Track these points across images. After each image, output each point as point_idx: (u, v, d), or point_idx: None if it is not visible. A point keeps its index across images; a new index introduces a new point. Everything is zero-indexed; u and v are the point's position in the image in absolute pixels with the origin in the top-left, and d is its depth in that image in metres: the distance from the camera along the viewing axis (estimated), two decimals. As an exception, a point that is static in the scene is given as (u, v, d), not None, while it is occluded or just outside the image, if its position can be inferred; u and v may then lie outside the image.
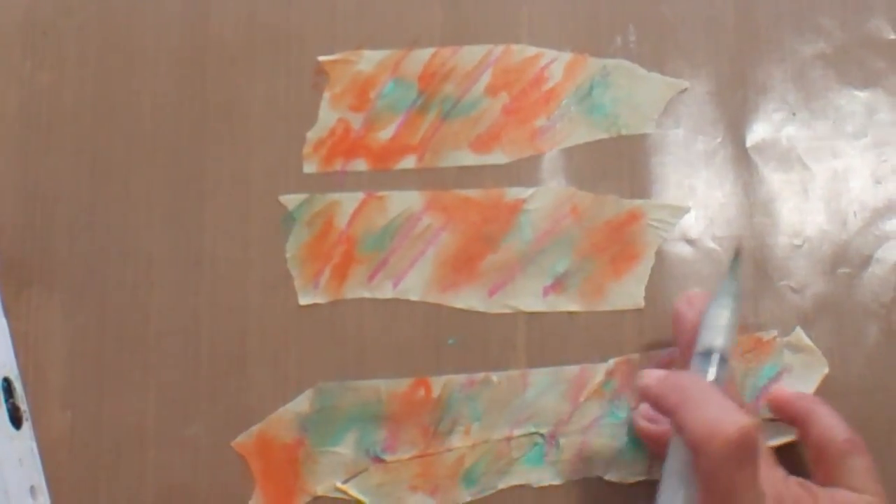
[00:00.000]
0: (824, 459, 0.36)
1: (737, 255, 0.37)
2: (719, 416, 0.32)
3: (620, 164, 0.41)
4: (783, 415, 0.38)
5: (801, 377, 0.40)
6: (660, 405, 0.34)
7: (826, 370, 0.40)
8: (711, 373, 0.34)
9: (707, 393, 0.33)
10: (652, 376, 0.35)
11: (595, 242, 0.41)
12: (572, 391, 0.40)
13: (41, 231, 0.42)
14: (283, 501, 0.40)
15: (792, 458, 0.38)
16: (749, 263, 0.41)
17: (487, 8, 0.42)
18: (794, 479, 0.35)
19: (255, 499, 0.40)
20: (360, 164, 0.42)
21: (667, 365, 0.40)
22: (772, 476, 0.34)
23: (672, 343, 0.40)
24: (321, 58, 0.42)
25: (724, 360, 0.35)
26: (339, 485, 0.40)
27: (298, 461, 0.40)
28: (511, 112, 0.42)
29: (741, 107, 0.42)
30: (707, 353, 0.35)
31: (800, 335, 0.40)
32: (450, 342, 0.40)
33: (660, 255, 0.41)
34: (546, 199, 0.41)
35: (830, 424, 0.36)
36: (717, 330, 0.35)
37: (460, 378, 0.40)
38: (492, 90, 0.42)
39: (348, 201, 0.41)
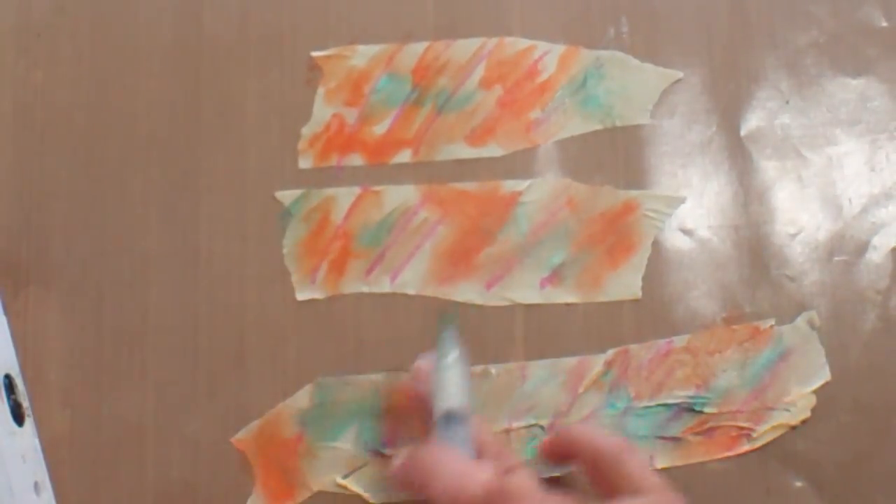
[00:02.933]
0: (601, 473, 0.35)
1: (443, 318, 0.37)
2: (460, 481, 0.32)
3: (615, 156, 0.42)
4: (557, 458, 0.38)
5: (801, 364, 0.40)
6: (410, 490, 0.34)
7: (824, 361, 0.40)
8: (456, 436, 0.34)
9: (445, 461, 0.33)
10: (397, 463, 0.35)
11: (591, 234, 0.41)
12: (571, 382, 0.40)
13: (37, 231, 0.42)
14: (284, 497, 0.40)
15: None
16: (745, 252, 0.41)
17: (479, 1, 0.42)
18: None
19: (256, 494, 0.40)
20: (356, 159, 0.42)
21: (665, 356, 0.40)
22: None
23: (669, 333, 0.40)
24: (314, 53, 0.42)
25: (463, 420, 0.35)
26: (339, 480, 0.40)
27: (298, 456, 0.40)
28: (505, 105, 0.42)
29: (735, 96, 0.42)
30: (447, 419, 0.35)
31: (807, 318, 0.40)
32: (448, 335, 0.40)
33: (656, 246, 0.41)
34: (542, 191, 0.41)
35: (594, 437, 0.36)
36: (449, 391, 0.35)
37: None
38: (486, 83, 0.42)
39: (344, 196, 0.41)
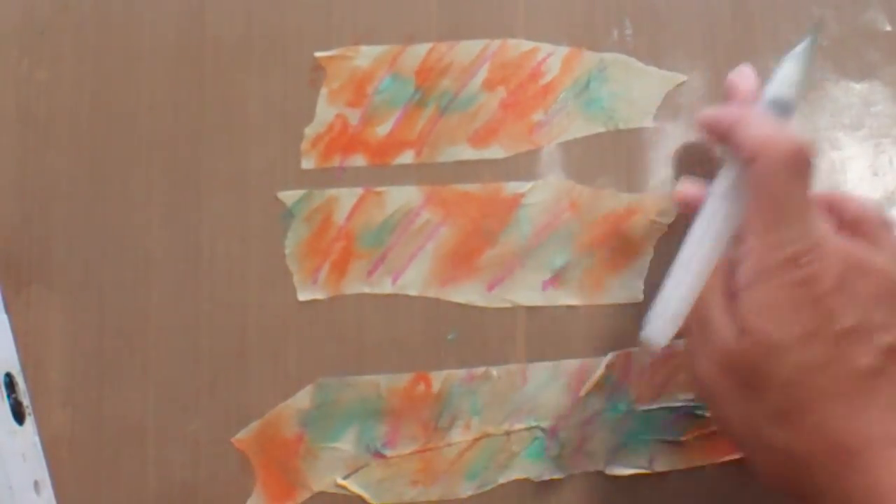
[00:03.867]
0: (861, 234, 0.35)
1: (818, 23, 0.39)
2: (777, 132, 0.33)
3: (618, 158, 0.41)
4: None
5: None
6: (716, 128, 0.35)
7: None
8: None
9: (765, 116, 0.34)
10: (710, 109, 0.36)
11: (594, 236, 0.41)
12: (572, 385, 0.40)
13: (39, 230, 0.42)
14: (284, 497, 0.40)
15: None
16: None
17: (483, 2, 0.42)
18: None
19: (256, 495, 0.40)
20: (359, 160, 0.42)
21: (667, 359, 0.40)
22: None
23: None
24: (318, 54, 0.42)
25: (786, 113, 0.36)
26: (339, 481, 0.40)
27: (299, 457, 0.40)
28: (508, 106, 0.42)
29: (738, 99, 0.42)
30: (773, 104, 0.36)
31: None
32: (449, 337, 0.40)
33: (658, 248, 0.41)
34: (544, 193, 0.41)
35: (862, 203, 0.36)
36: (786, 83, 0.36)
37: (460, 373, 0.40)
38: (489, 85, 0.42)
39: (347, 197, 0.41)
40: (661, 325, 0.35)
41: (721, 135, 0.35)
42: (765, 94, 0.36)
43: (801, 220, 0.32)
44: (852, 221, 0.36)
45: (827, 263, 0.32)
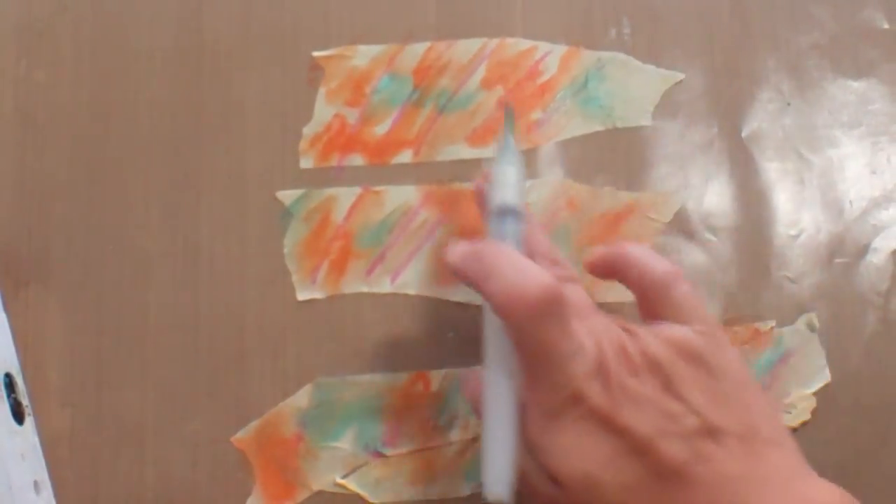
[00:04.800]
0: (648, 298, 0.35)
1: (508, 112, 0.37)
2: (519, 279, 0.31)
3: (616, 157, 0.42)
4: (602, 274, 0.37)
5: (801, 366, 0.40)
6: (466, 280, 0.34)
7: (824, 363, 0.40)
8: (508, 231, 0.34)
9: (506, 258, 0.33)
10: (456, 252, 0.34)
11: (591, 235, 0.41)
12: (571, 384, 0.40)
13: (38, 230, 0.42)
14: (283, 497, 0.40)
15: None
16: (746, 254, 0.41)
17: (480, 1, 0.42)
18: (616, 324, 0.33)
19: (255, 494, 0.40)
20: (357, 159, 0.42)
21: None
22: (591, 325, 0.33)
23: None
24: (316, 53, 0.42)
25: (519, 216, 0.35)
26: (338, 480, 0.40)
27: (298, 456, 0.40)
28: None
29: (736, 97, 0.42)
30: (501, 212, 0.35)
31: (806, 321, 0.40)
32: (449, 336, 0.40)
33: (656, 247, 0.41)
34: (542, 191, 0.41)
35: (646, 261, 0.35)
36: (506, 187, 0.35)
37: (459, 372, 0.40)
38: (487, 84, 0.42)
39: (345, 196, 0.41)
40: (498, 478, 0.32)
41: (471, 285, 0.34)
42: (490, 203, 0.35)
43: (568, 360, 0.31)
44: (638, 284, 0.35)
45: (604, 385, 0.31)
